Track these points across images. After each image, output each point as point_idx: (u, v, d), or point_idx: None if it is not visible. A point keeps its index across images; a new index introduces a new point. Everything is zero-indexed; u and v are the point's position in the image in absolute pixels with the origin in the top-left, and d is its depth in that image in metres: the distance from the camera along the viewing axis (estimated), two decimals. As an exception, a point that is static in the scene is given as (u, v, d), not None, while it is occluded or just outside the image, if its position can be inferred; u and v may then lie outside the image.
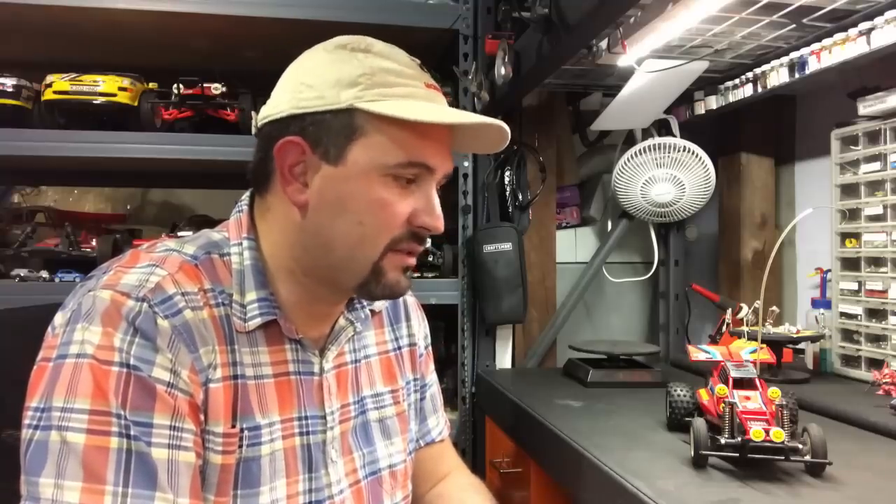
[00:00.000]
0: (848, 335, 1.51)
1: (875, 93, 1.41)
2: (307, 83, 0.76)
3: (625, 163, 1.82)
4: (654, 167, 1.80)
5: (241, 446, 0.74)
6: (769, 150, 1.93)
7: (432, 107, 0.78)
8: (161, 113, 1.64)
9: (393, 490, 0.89)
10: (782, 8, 1.28)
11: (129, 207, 2.31)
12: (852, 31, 1.30)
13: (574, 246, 2.02)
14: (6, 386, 0.72)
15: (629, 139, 1.95)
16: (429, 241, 1.69)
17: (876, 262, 1.45)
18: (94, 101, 1.58)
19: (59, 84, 1.58)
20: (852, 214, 1.50)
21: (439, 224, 0.80)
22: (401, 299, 1.00)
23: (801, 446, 0.88)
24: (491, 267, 1.67)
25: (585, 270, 1.96)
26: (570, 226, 2.02)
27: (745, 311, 1.53)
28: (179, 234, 1.65)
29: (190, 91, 1.61)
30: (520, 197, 1.81)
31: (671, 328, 1.97)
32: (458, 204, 1.74)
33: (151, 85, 1.68)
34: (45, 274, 1.62)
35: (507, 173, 1.80)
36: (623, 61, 1.47)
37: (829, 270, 1.59)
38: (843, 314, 1.52)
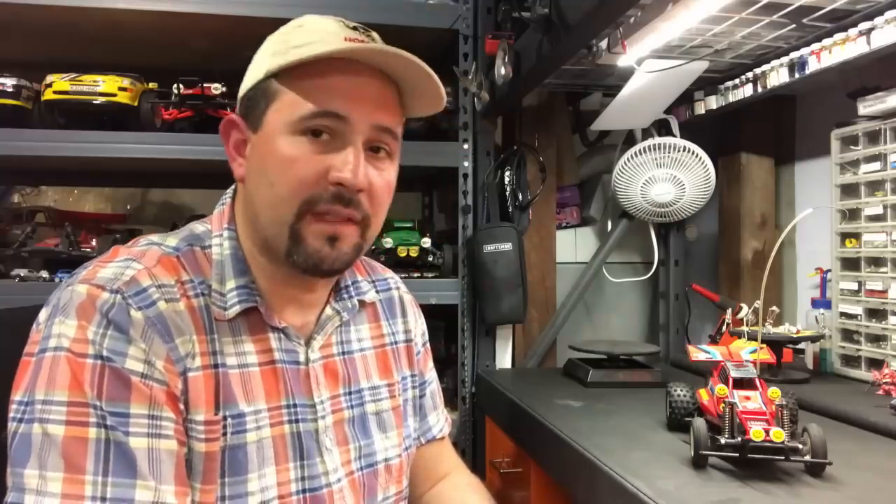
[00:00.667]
0: (848, 335, 1.51)
1: (875, 93, 1.41)
2: (252, 68, 0.81)
3: (625, 163, 1.82)
4: (654, 167, 1.80)
5: (224, 434, 0.74)
6: (769, 150, 1.93)
7: (326, 45, 0.74)
8: (161, 113, 1.64)
9: (387, 484, 0.89)
10: (782, 8, 1.28)
11: (129, 207, 2.31)
12: (852, 31, 1.30)
13: (574, 246, 2.02)
14: (6, 386, 0.73)
15: (629, 139, 1.95)
16: (428, 240, 1.71)
17: (876, 262, 1.45)
18: (94, 101, 1.58)
19: (59, 84, 1.58)
20: (852, 214, 1.50)
21: (357, 180, 0.74)
22: (396, 295, 1.00)
23: (801, 446, 0.88)
24: (491, 267, 1.67)
25: (585, 270, 1.96)
26: (570, 226, 2.02)
27: (745, 311, 1.53)
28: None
29: (190, 91, 1.61)
30: (520, 197, 1.81)
31: (671, 328, 1.97)
32: (458, 204, 1.74)
33: (151, 85, 1.68)
34: (45, 274, 1.62)
35: (507, 173, 1.80)
36: (623, 61, 1.47)
37: (829, 270, 1.59)
38: (843, 314, 1.52)
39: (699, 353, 1.15)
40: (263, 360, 0.80)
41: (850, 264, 1.51)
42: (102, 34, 1.65)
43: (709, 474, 0.91)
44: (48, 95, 1.58)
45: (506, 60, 1.45)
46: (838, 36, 1.33)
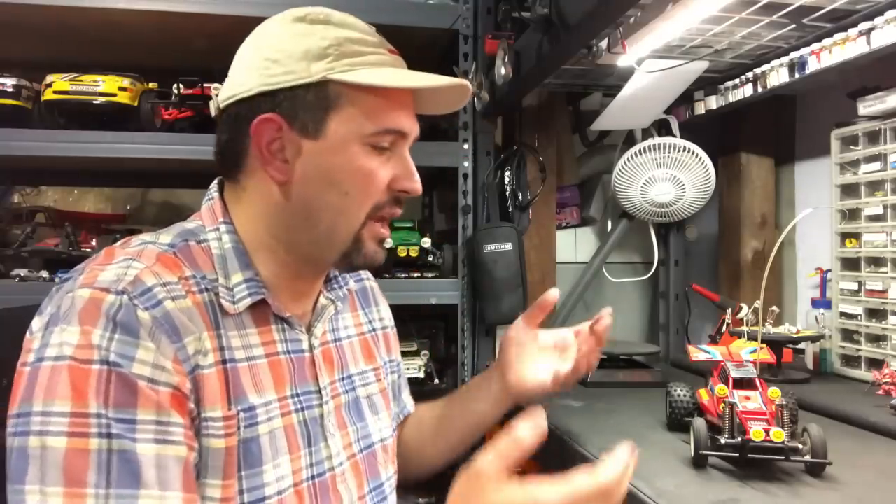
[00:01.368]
0: (848, 335, 1.51)
1: (875, 93, 1.41)
2: (272, 59, 0.77)
3: (625, 163, 1.82)
4: (654, 167, 1.80)
5: (238, 428, 0.74)
6: (769, 150, 1.93)
7: (402, 73, 0.80)
8: (161, 113, 1.64)
9: (386, 463, 0.92)
10: (782, 8, 1.28)
11: (129, 207, 2.31)
12: (852, 31, 1.30)
13: (574, 246, 2.02)
14: (5, 386, 0.72)
15: (629, 139, 1.95)
16: (428, 240, 1.71)
17: (876, 262, 1.45)
18: (94, 101, 1.58)
19: (59, 84, 1.58)
20: (852, 214, 1.50)
21: (418, 186, 0.82)
22: (368, 285, 1.05)
23: (801, 446, 0.88)
24: (491, 267, 1.67)
25: (585, 270, 1.96)
26: (570, 226, 2.02)
27: (745, 311, 1.53)
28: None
29: (190, 91, 1.61)
30: (520, 197, 1.81)
31: (671, 328, 1.97)
32: (458, 204, 1.74)
33: (151, 85, 1.68)
34: (45, 274, 1.61)
35: (507, 173, 1.80)
36: (623, 61, 1.47)
37: (829, 270, 1.59)
38: (843, 314, 1.52)
39: (699, 353, 1.15)
40: (269, 351, 0.80)
41: (850, 264, 1.51)
42: (102, 34, 1.65)
43: (709, 474, 0.91)
44: (48, 95, 1.58)
45: (506, 60, 1.45)
46: (838, 36, 1.33)
